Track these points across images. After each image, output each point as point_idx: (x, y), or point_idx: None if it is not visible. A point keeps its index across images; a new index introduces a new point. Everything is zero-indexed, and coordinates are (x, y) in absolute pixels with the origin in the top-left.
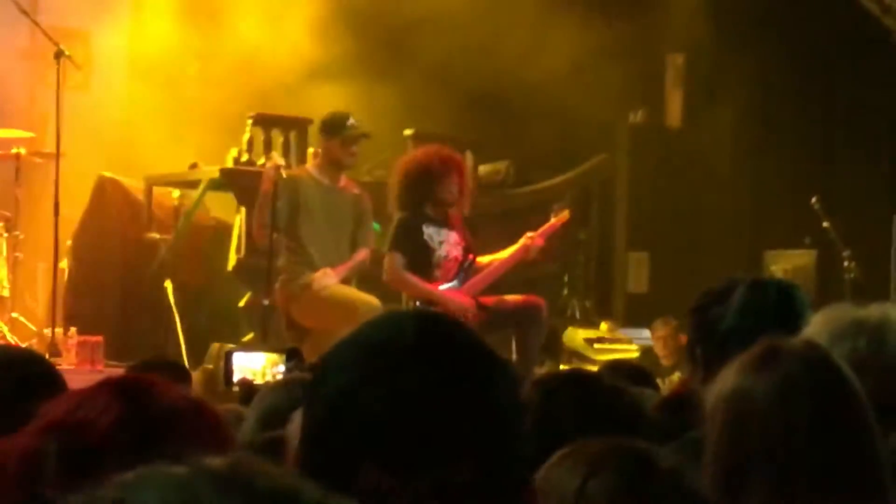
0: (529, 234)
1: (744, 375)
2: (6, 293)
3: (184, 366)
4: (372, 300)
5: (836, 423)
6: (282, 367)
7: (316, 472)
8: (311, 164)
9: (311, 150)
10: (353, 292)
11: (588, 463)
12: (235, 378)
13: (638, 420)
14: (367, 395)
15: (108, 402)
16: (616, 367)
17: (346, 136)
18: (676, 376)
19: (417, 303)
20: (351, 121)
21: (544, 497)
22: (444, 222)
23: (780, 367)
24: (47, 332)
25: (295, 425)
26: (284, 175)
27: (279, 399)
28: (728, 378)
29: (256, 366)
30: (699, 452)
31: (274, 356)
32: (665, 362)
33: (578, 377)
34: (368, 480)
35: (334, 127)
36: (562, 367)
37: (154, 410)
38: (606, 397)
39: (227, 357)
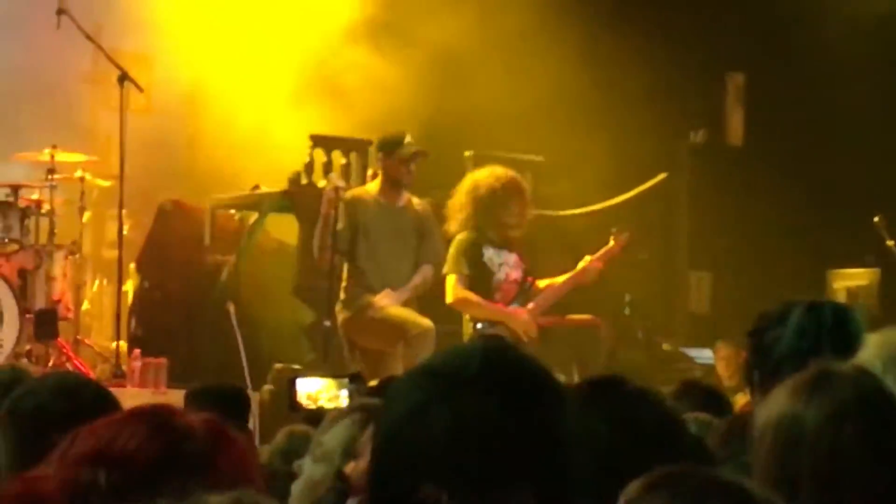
0: (588, 257)
1: (795, 400)
2: (71, 316)
3: (243, 390)
4: (424, 322)
5: (885, 451)
6: (345, 392)
7: (379, 489)
8: (371, 185)
9: (370, 171)
10: (406, 313)
11: (690, 498)
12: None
13: (673, 428)
14: (430, 418)
15: (148, 435)
16: (690, 387)
17: (402, 155)
18: (740, 396)
19: (479, 324)
20: (407, 139)
21: None
22: (504, 244)
23: (832, 392)
24: (112, 353)
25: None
26: (344, 197)
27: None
28: (778, 401)
29: (319, 390)
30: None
31: (336, 381)
32: (728, 382)
33: (610, 383)
34: (427, 499)
35: (391, 146)
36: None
37: (190, 444)
38: (639, 402)
39: (291, 383)
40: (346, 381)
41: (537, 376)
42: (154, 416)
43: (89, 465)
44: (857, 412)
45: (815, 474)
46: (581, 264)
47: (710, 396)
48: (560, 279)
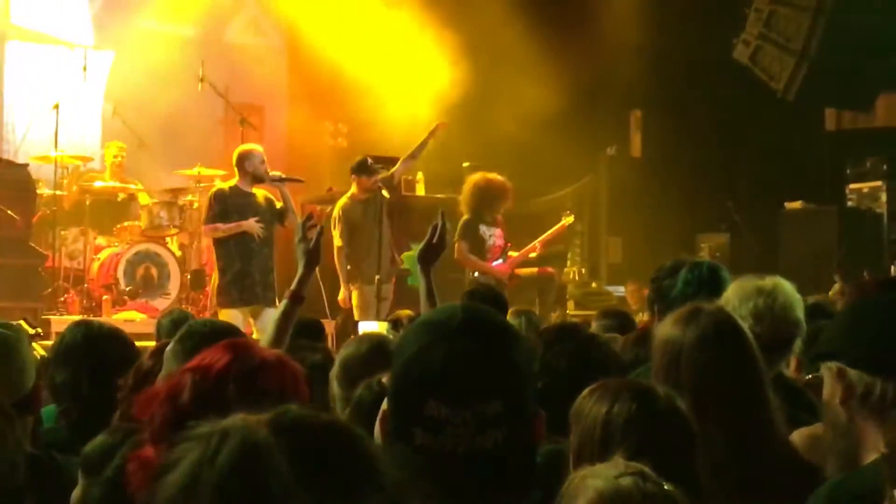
0: (536, 242)
1: (675, 328)
2: (213, 273)
3: (320, 321)
4: None
5: (735, 363)
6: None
7: (398, 407)
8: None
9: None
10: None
11: (611, 394)
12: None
13: (607, 358)
14: (429, 357)
15: (221, 354)
16: (609, 312)
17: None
18: (640, 316)
19: (476, 273)
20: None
21: (578, 420)
22: (492, 222)
23: (699, 323)
24: None
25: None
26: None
27: (353, 350)
28: (665, 328)
29: (375, 329)
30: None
31: (386, 323)
32: (634, 307)
33: (568, 330)
34: (431, 411)
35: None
36: (568, 312)
37: (250, 361)
38: (587, 344)
39: (355, 326)
40: (390, 324)
41: (504, 325)
42: (230, 345)
43: (184, 373)
44: (716, 337)
45: (689, 379)
46: (532, 244)
47: (621, 317)
48: (514, 254)
